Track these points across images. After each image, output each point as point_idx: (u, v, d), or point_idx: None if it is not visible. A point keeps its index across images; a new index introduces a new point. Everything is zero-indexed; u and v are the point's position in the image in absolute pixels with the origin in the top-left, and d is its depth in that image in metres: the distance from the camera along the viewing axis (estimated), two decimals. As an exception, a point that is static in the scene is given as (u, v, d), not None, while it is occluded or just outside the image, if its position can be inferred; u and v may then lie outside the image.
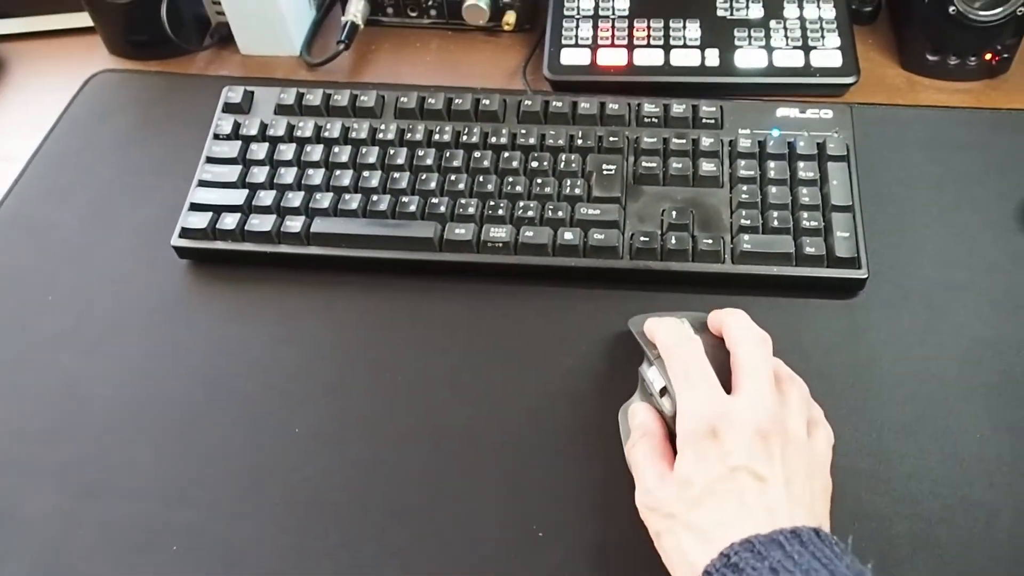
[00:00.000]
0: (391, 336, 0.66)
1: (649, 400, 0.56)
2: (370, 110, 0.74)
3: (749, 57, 0.80)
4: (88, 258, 0.72)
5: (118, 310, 0.69)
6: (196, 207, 0.71)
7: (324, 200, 0.69)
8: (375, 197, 0.69)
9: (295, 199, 0.70)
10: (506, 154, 0.71)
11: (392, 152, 0.72)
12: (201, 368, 0.65)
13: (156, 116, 0.82)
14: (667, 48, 0.81)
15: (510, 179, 0.70)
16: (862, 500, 0.56)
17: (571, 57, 0.81)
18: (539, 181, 0.69)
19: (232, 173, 0.72)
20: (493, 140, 0.72)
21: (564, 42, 0.82)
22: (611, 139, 0.71)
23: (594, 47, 0.82)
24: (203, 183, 0.72)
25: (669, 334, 0.56)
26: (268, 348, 0.66)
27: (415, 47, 0.88)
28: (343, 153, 0.72)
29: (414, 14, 0.89)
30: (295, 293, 0.69)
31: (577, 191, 0.69)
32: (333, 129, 0.73)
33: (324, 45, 0.89)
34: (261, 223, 0.69)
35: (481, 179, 0.70)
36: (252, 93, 0.77)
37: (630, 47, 0.81)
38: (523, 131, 0.72)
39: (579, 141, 0.71)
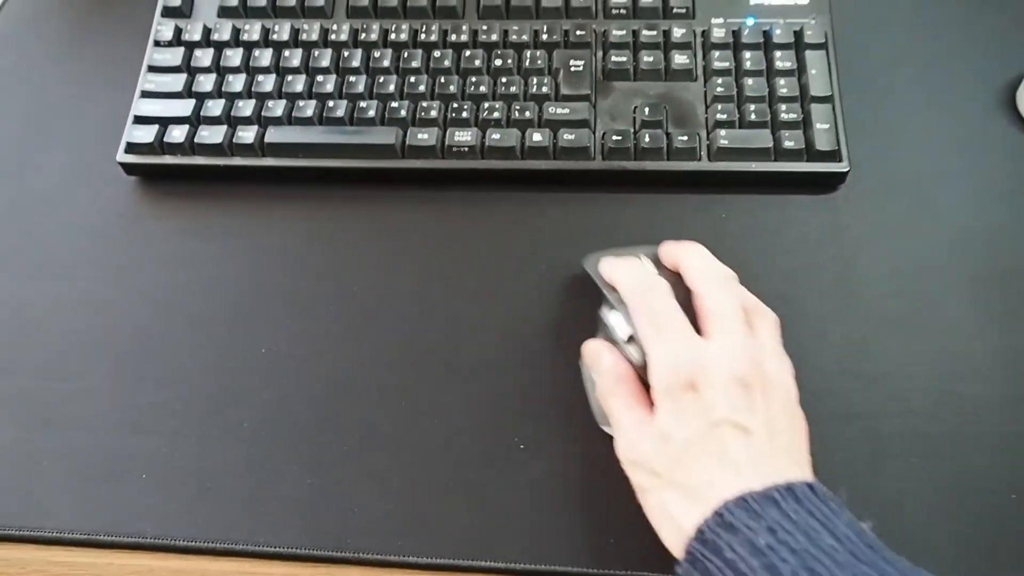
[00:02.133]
0: (355, 249, 0.63)
1: (613, 345, 0.52)
2: (320, 9, 0.70)
3: None
4: (26, 178, 0.68)
5: (62, 231, 0.65)
6: (141, 120, 0.67)
7: (277, 108, 0.66)
8: (331, 103, 0.66)
9: (246, 108, 0.66)
10: (467, 52, 0.67)
11: (346, 54, 0.68)
12: (156, 289, 0.62)
13: (90, 22, 0.77)
14: None
15: (473, 79, 0.66)
16: (851, 399, 0.54)
17: None
18: (504, 80, 0.66)
19: (177, 82, 0.68)
20: (453, 38, 0.68)
21: None
22: (578, 33, 0.67)
23: None
24: (147, 94, 0.68)
25: (631, 277, 0.51)
26: (225, 266, 0.63)
27: None
28: (294, 57, 0.68)
29: None
30: (252, 207, 0.65)
31: (544, 89, 0.65)
32: (282, 31, 0.69)
33: None
34: (211, 135, 0.65)
35: (442, 80, 0.66)
36: (193, -6, 0.72)
37: None
38: (484, 27, 0.68)
39: (544, 36, 0.67)
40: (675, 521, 0.44)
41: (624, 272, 0.52)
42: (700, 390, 0.45)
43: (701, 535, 0.41)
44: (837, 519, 0.40)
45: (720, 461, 0.44)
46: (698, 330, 0.48)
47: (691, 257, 0.51)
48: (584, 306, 0.56)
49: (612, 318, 0.52)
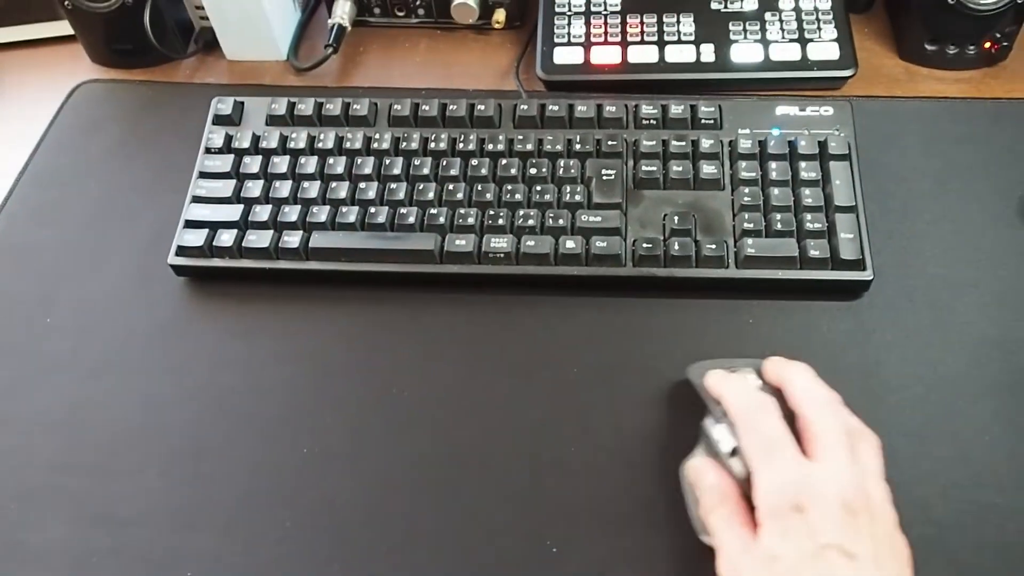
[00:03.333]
0: (396, 350, 0.66)
1: (715, 457, 0.53)
2: (363, 119, 0.74)
3: (745, 52, 0.79)
4: (84, 279, 0.71)
5: (117, 332, 0.68)
6: (191, 224, 0.70)
7: (321, 213, 0.69)
8: (373, 209, 0.69)
9: (292, 213, 0.69)
10: (503, 161, 0.70)
11: (388, 162, 0.71)
12: (205, 389, 0.65)
13: (144, 128, 0.81)
14: (661, 44, 0.80)
15: (509, 187, 0.69)
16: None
17: (564, 56, 0.80)
18: (538, 188, 0.69)
19: (226, 188, 0.71)
20: (490, 147, 0.71)
21: (556, 40, 0.81)
22: (610, 143, 0.70)
23: (587, 45, 0.81)
24: (197, 199, 0.71)
25: (739, 396, 0.53)
26: (271, 366, 0.66)
27: (404, 47, 0.87)
28: (338, 164, 0.71)
29: (401, 14, 0.87)
30: (297, 309, 0.68)
31: (577, 197, 0.68)
32: (327, 139, 0.72)
33: (311, 48, 0.88)
34: (258, 239, 0.68)
35: (479, 187, 0.69)
36: (242, 104, 0.75)
37: (623, 44, 0.80)
38: (520, 136, 0.71)
39: (577, 146, 0.70)
40: None
41: (732, 390, 0.53)
42: (807, 512, 0.46)
43: None
44: None
45: None
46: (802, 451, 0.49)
47: (797, 377, 0.53)
48: (616, 412, 0.59)
49: (716, 432, 0.53)
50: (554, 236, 0.67)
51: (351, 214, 0.69)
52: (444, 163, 0.71)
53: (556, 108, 0.72)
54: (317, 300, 0.69)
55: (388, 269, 0.68)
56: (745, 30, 0.80)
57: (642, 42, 0.80)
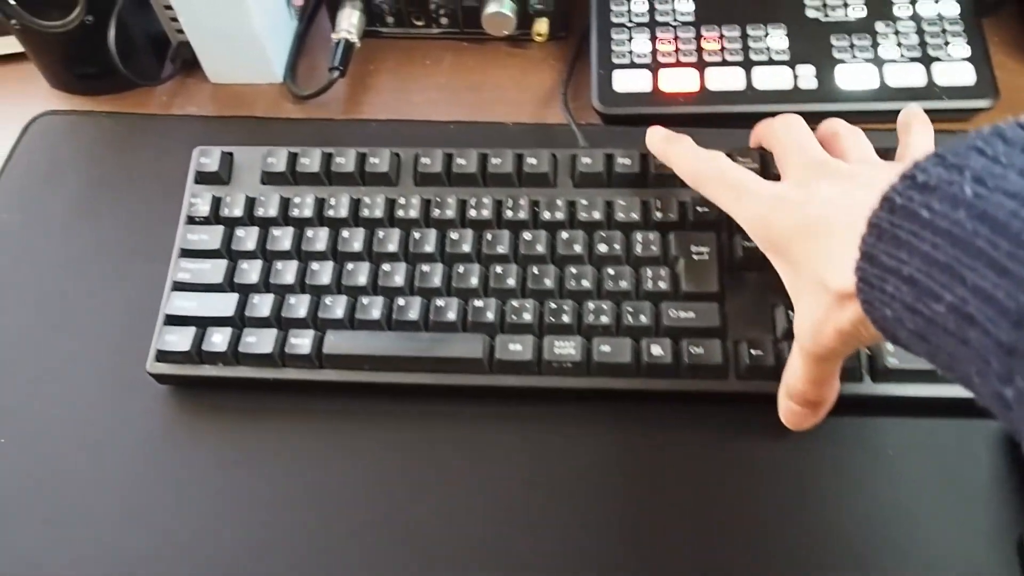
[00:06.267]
0: (431, 478, 0.52)
1: None
2: (384, 176, 0.58)
3: (854, 75, 0.63)
4: (42, 384, 0.57)
5: (82, 459, 0.54)
6: (174, 320, 0.55)
7: (336, 307, 0.54)
8: (401, 301, 0.54)
9: (299, 306, 0.55)
10: (565, 234, 0.55)
11: (418, 236, 0.56)
12: (196, 536, 0.51)
13: (113, 174, 0.66)
14: (747, 65, 0.64)
15: (573, 269, 0.54)
16: None
17: (626, 82, 0.64)
18: (610, 272, 0.54)
19: (216, 271, 0.56)
20: (547, 215, 0.56)
21: (615, 60, 0.65)
22: (699, 208, 0.55)
23: (654, 67, 0.65)
24: (180, 285, 0.57)
25: (686, 159, 0.52)
26: (278, 496, 0.52)
27: (424, 65, 0.71)
28: (355, 238, 0.56)
29: (420, 23, 0.71)
30: (308, 426, 0.55)
31: (661, 285, 0.53)
32: (339, 205, 0.57)
33: (311, 65, 0.71)
34: (259, 341, 0.54)
35: (536, 270, 0.54)
36: (231, 156, 0.60)
37: (700, 65, 0.64)
38: (584, 201, 0.56)
39: (657, 214, 0.55)
40: (842, 216, 0.40)
41: (678, 153, 0.53)
42: (795, 187, 0.45)
43: (888, 203, 0.34)
44: None
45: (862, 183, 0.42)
46: None
47: (768, 130, 0.52)
48: (709, 552, 0.45)
49: None
50: (634, 338, 0.52)
51: (374, 308, 0.54)
52: (489, 237, 0.56)
53: (628, 162, 0.57)
54: (334, 415, 0.55)
55: (423, 381, 0.53)
56: (852, 46, 0.64)
57: (723, 63, 0.64)
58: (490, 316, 0.53)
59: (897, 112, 0.59)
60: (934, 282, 0.32)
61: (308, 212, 0.57)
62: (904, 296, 0.33)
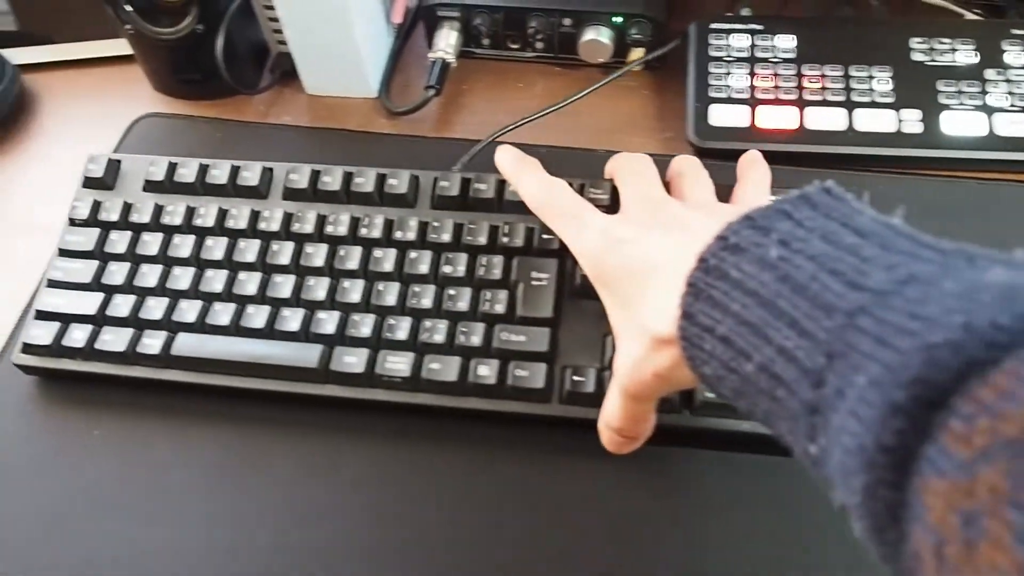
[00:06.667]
0: (256, 480, 0.54)
1: None
2: (254, 189, 0.60)
3: (961, 122, 0.62)
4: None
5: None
6: (43, 315, 0.58)
7: (190, 311, 0.56)
8: (251, 308, 0.56)
9: (156, 308, 0.57)
10: (413, 253, 0.57)
11: (276, 248, 0.58)
12: (43, 503, 0.54)
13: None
14: (849, 106, 0.64)
15: (416, 288, 0.55)
16: None
17: (723, 116, 0.65)
18: (451, 292, 0.55)
19: (87, 271, 0.59)
20: (399, 234, 0.58)
21: (712, 95, 0.65)
22: (544, 236, 0.56)
23: (752, 103, 0.65)
24: (53, 283, 0.59)
25: (530, 186, 0.52)
26: (122, 486, 0.54)
27: (516, 87, 0.72)
28: (217, 247, 0.58)
29: (516, 46, 0.72)
30: (152, 425, 0.57)
31: (498, 308, 0.55)
32: (207, 214, 0.59)
33: (404, 82, 0.73)
34: (114, 340, 0.56)
35: (381, 287, 0.56)
36: (118, 164, 0.63)
37: (800, 104, 0.64)
38: (436, 223, 0.57)
39: (504, 238, 0.56)
40: (668, 265, 0.40)
41: (524, 181, 0.53)
42: (624, 231, 0.46)
43: (704, 263, 0.36)
44: (860, 216, 0.34)
45: (681, 230, 0.44)
46: None
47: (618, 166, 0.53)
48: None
49: None
50: (464, 357, 0.53)
51: (225, 313, 0.56)
52: (342, 252, 0.57)
53: (483, 187, 0.58)
54: (181, 414, 0.57)
55: (261, 387, 0.55)
56: (960, 92, 0.63)
57: (824, 103, 0.64)
58: (330, 328, 0.55)
59: (1004, 162, 0.59)
60: (745, 342, 0.34)
61: (178, 220, 0.60)
62: (720, 355, 0.35)
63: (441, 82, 0.69)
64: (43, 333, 0.57)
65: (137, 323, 0.57)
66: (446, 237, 0.57)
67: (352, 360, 0.54)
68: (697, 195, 0.50)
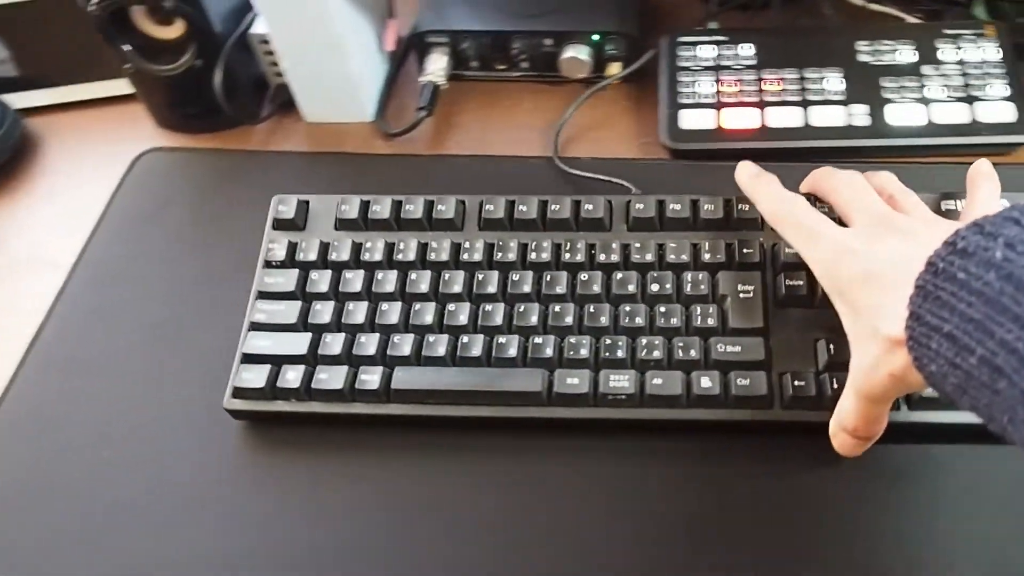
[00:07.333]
0: (500, 507, 0.55)
1: None
2: (450, 222, 0.62)
3: (903, 113, 0.67)
4: (137, 409, 0.61)
5: (167, 480, 0.58)
6: (250, 358, 0.59)
7: (404, 345, 0.58)
8: (465, 338, 0.57)
9: (369, 344, 0.58)
10: (619, 275, 0.58)
11: (481, 277, 0.59)
12: (272, 553, 0.55)
13: (215, 207, 0.71)
14: (805, 104, 0.69)
15: (627, 308, 0.57)
16: None
17: (692, 120, 0.70)
18: (662, 309, 0.57)
19: (291, 311, 0.60)
20: (602, 257, 0.59)
21: (681, 100, 0.71)
22: (744, 251, 0.58)
23: (718, 106, 0.70)
24: (257, 325, 0.61)
25: (769, 199, 0.54)
26: (352, 525, 0.55)
27: (504, 105, 0.77)
28: (423, 280, 0.60)
29: (502, 67, 0.77)
30: (375, 459, 0.58)
31: (710, 321, 0.56)
32: (408, 249, 0.61)
33: (399, 106, 0.77)
34: (330, 378, 0.58)
35: (592, 309, 0.57)
36: (307, 204, 0.64)
37: (761, 105, 0.70)
38: (637, 244, 0.59)
39: (706, 255, 0.58)
40: (898, 271, 0.42)
41: (762, 193, 0.55)
42: (863, 231, 0.49)
43: (932, 267, 0.39)
44: None
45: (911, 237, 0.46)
46: None
47: (823, 180, 0.55)
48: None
49: None
50: (684, 371, 0.55)
51: (440, 344, 0.57)
52: (548, 278, 0.59)
53: (678, 207, 0.60)
54: (400, 449, 0.58)
55: (485, 414, 0.56)
56: (901, 87, 0.68)
57: (782, 103, 0.69)
58: (549, 352, 0.57)
59: (942, 147, 0.64)
60: (969, 337, 0.36)
61: (378, 256, 0.61)
62: (946, 352, 0.37)
63: (433, 104, 0.74)
64: (254, 376, 0.58)
65: (350, 360, 0.58)
66: (649, 257, 0.59)
67: (575, 381, 0.56)
68: (913, 208, 0.52)
